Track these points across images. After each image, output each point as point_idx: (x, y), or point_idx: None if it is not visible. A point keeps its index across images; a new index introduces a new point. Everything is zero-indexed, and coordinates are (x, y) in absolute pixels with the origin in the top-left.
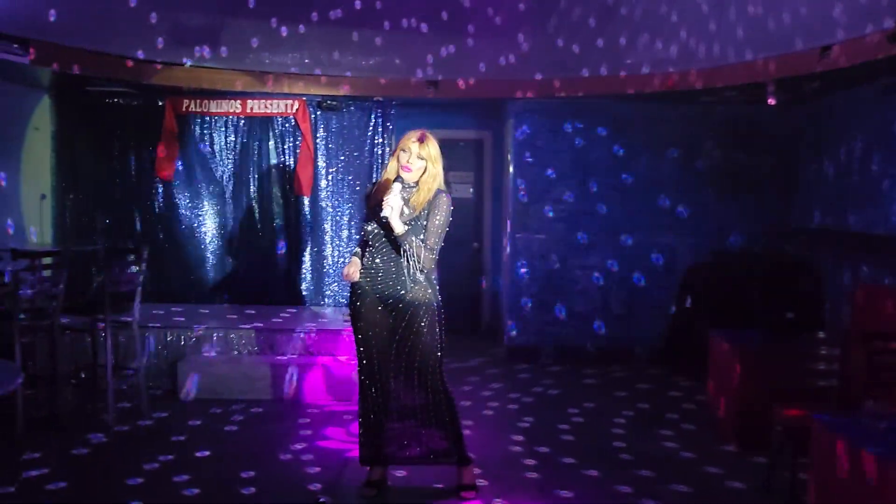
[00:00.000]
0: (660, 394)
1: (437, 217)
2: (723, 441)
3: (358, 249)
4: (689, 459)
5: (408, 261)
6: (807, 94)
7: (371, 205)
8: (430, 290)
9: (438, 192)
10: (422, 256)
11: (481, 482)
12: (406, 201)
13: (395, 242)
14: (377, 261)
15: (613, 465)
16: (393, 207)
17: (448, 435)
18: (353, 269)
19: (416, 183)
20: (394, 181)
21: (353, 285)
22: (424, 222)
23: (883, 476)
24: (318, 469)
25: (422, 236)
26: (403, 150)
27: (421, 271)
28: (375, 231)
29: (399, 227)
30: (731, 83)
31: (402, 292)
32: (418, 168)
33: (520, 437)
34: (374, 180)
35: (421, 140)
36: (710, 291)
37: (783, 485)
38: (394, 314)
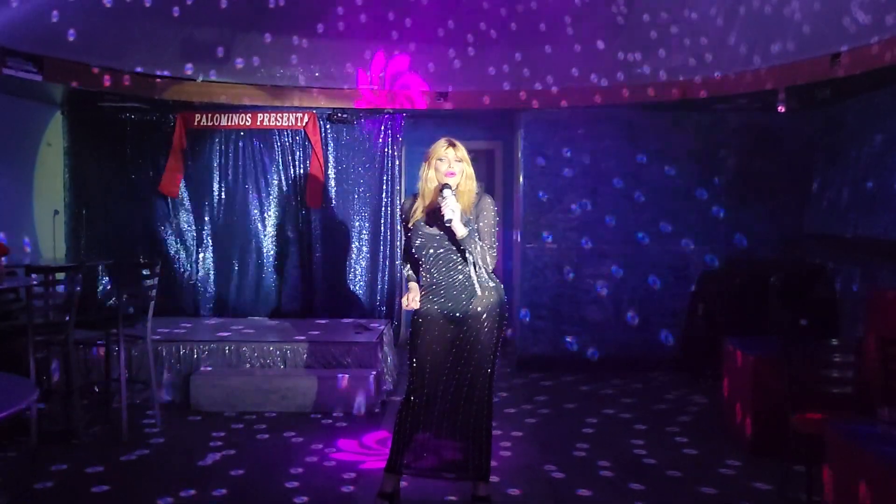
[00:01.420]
0: (675, 400)
1: (488, 219)
2: (739, 447)
3: (409, 273)
4: (705, 465)
5: (473, 265)
6: (818, 101)
7: (413, 219)
8: (496, 294)
9: (483, 195)
10: (486, 256)
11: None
12: None
13: (451, 253)
14: (436, 276)
15: (632, 471)
16: (454, 210)
17: (472, 447)
18: (414, 297)
19: (457, 187)
20: (443, 188)
21: (420, 304)
22: (475, 224)
23: None
24: (328, 482)
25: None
26: (440, 159)
27: (487, 272)
28: (429, 244)
29: (462, 230)
30: (741, 91)
31: (468, 304)
32: (460, 171)
33: (536, 445)
34: (385, 193)
35: (453, 145)
36: (724, 298)
37: (799, 491)
38: (453, 326)
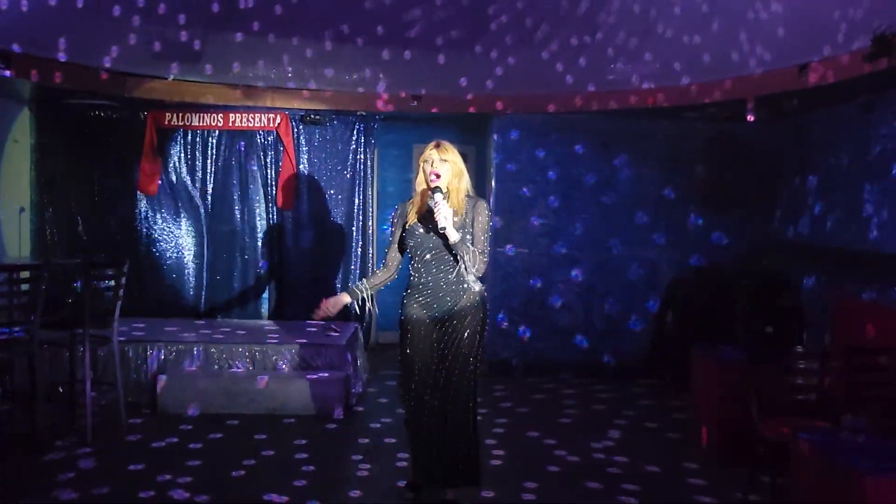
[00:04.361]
0: (641, 407)
1: (482, 224)
2: (704, 454)
3: (366, 284)
4: (671, 471)
5: (463, 267)
6: (787, 111)
7: (409, 221)
8: (477, 296)
9: (477, 199)
10: (476, 261)
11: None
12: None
13: (443, 254)
14: (425, 277)
15: (597, 478)
16: (447, 217)
17: (461, 450)
18: (332, 306)
19: (446, 186)
20: (433, 192)
21: (404, 303)
22: (470, 229)
23: (862, 490)
24: (295, 485)
25: (469, 240)
26: (426, 161)
27: (476, 277)
28: (423, 245)
29: (455, 236)
30: (711, 100)
31: (452, 305)
32: (445, 171)
33: (501, 452)
34: (357, 195)
35: (438, 146)
36: (692, 306)
37: (763, 498)
38: (439, 328)
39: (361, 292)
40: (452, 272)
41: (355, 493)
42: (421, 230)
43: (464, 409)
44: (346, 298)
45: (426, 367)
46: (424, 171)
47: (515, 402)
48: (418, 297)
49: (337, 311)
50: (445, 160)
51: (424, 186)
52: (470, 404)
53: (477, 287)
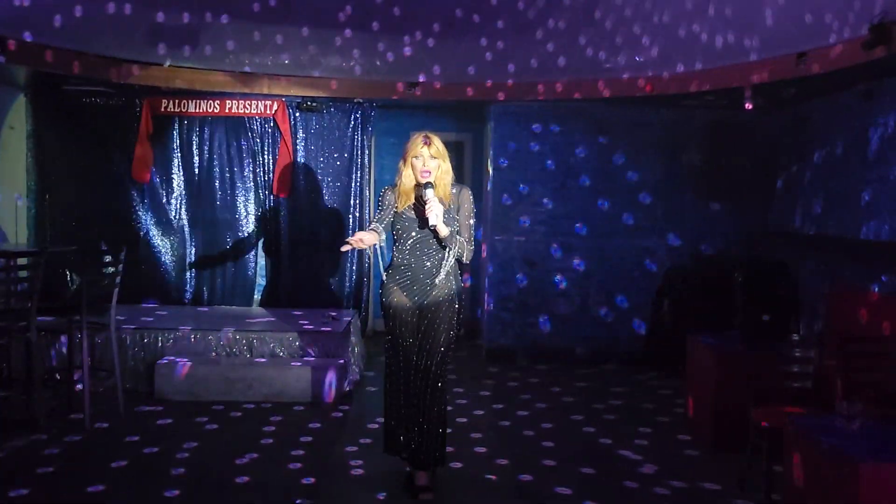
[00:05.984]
0: (637, 395)
1: (467, 211)
2: (700, 441)
3: (376, 226)
4: (666, 458)
5: (449, 256)
6: (785, 99)
7: (398, 208)
8: (454, 283)
9: (461, 186)
10: (465, 250)
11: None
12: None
13: (429, 238)
14: (409, 259)
15: (593, 464)
16: (438, 214)
17: (430, 432)
18: (362, 237)
19: (434, 182)
20: (424, 187)
21: (385, 285)
22: (456, 216)
23: (854, 475)
24: (293, 471)
25: (456, 229)
26: (416, 157)
27: (465, 263)
28: (409, 230)
29: (445, 231)
30: (709, 87)
31: (430, 289)
32: (435, 167)
33: (496, 438)
34: (354, 182)
35: (428, 143)
36: (689, 294)
37: (758, 485)
38: (418, 312)
39: (380, 235)
40: (434, 257)
41: (355, 477)
42: (409, 216)
43: (433, 394)
44: (374, 238)
45: (411, 346)
46: (415, 167)
47: (510, 388)
48: (399, 279)
49: (367, 246)
50: (436, 157)
51: (413, 182)
52: (441, 388)
53: (452, 272)
